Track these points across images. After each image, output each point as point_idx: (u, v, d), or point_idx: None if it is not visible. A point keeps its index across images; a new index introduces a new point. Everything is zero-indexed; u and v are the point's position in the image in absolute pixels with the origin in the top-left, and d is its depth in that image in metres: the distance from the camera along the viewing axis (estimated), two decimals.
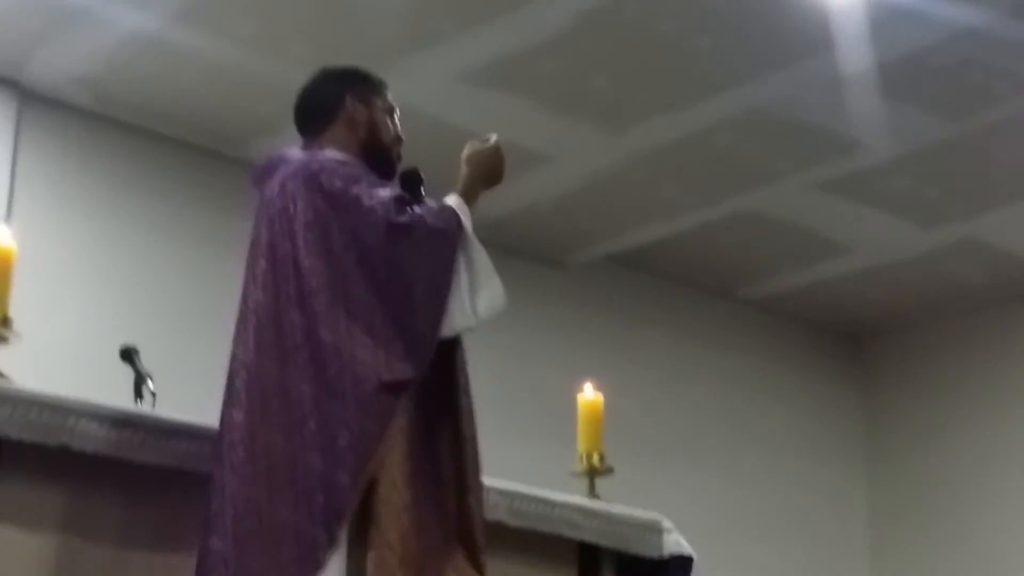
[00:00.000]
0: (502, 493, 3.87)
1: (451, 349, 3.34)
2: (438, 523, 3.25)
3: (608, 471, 4.29)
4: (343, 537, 3.08)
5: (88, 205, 6.43)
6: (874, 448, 8.79)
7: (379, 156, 3.54)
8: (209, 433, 3.29)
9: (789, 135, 6.69)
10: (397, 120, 3.63)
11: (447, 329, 3.24)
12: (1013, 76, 6.21)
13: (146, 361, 4.16)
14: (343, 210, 3.28)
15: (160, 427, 3.36)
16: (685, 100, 6.42)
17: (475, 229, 3.34)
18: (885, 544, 8.58)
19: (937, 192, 7.23)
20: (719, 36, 5.99)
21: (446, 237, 3.27)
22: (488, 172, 3.45)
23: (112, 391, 3.65)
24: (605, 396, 4.33)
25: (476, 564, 3.28)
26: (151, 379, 4.08)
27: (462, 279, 3.26)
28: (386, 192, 3.34)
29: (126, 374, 4.13)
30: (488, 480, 3.76)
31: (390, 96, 3.64)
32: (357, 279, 3.23)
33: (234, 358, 3.28)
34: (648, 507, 4.25)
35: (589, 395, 4.33)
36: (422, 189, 3.44)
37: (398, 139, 3.62)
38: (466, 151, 3.46)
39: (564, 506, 4.02)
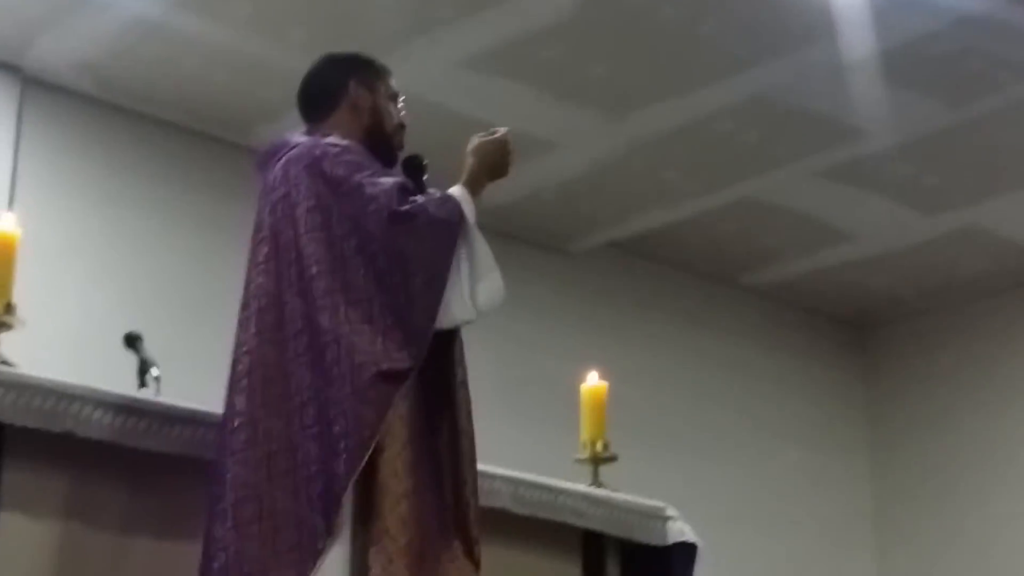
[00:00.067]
0: (506, 480, 3.87)
1: (449, 341, 3.34)
2: (436, 513, 3.25)
3: (612, 459, 4.29)
4: (343, 524, 3.09)
5: (90, 191, 6.43)
6: (877, 436, 8.79)
7: (382, 142, 3.54)
8: (213, 420, 3.29)
9: (791, 122, 6.68)
10: (401, 106, 3.63)
11: (446, 320, 3.23)
12: (1015, 63, 6.21)
13: (150, 347, 4.15)
14: (345, 197, 3.28)
15: (164, 414, 3.36)
16: (687, 87, 6.41)
17: (477, 216, 3.34)
18: (889, 532, 8.59)
19: (939, 179, 7.23)
20: (721, 22, 5.98)
21: (448, 227, 3.26)
22: (493, 164, 3.43)
23: (116, 378, 3.65)
24: (608, 383, 4.33)
25: (471, 556, 3.28)
26: (155, 366, 4.07)
27: (463, 270, 3.25)
28: (389, 180, 3.33)
29: (130, 361, 4.13)
30: (492, 467, 3.78)
31: (394, 82, 3.63)
32: (357, 266, 3.22)
33: (238, 343, 3.28)
34: (652, 495, 4.26)
35: (592, 382, 4.32)
36: (424, 176, 3.44)
37: (401, 125, 3.61)
38: (472, 142, 3.45)
39: (568, 494, 4.02)
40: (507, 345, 7.09)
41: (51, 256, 5.98)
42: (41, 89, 6.33)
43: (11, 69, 6.26)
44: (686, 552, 4.17)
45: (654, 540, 4.15)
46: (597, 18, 5.93)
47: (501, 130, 3.48)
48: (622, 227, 7.71)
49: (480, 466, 3.42)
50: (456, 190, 3.35)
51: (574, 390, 4.38)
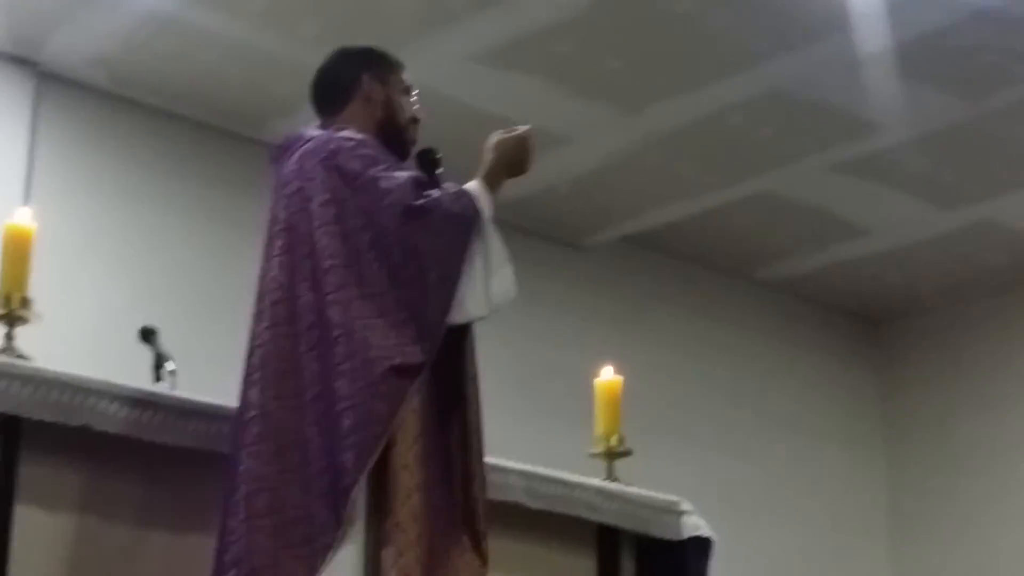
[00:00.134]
0: (521, 475, 3.87)
1: (461, 336, 3.34)
2: (446, 506, 3.25)
3: (626, 453, 4.29)
4: (356, 517, 3.09)
5: (106, 185, 6.43)
6: (891, 430, 8.78)
7: (395, 136, 3.54)
8: (228, 414, 3.30)
9: (806, 116, 6.67)
10: (414, 100, 3.63)
11: (459, 315, 3.23)
12: None
13: (165, 342, 4.16)
14: (360, 191, 3.28)
15: (179, 407, 3.37)
16: (702, 81, 6.40)
17: (493, 211, 3.33)
18: (903, 526, 8.58)
19: (955, 174, 7.21)
20: (736, 16, 5.97)
21: (462, 222, 3.26)
22: (512, 161, 3.42)
23: (132, 372, 3.66)
24: (623, 378, 4.33)
25: (479, 551, 3.29)
26: (171, 360, 4.08)
27: (477, 266, 3.25)
28: (404, 174, 3.33)
29: (146, 355, 4.14)
30: (507, 462, 3.78)
31: (407, 76, 3.63)
32: (371, 260, 3.22)
33: (252, 336, 3.29)
34: (666, 489, 4.26)
35: (607, 377, 4.32)
36: (438, 169, 3.44)
37: (415, 119, 3.61)
38: (493, 138, 3.44)
39: (583, 488, 4.03)
40: (522, 339, 7.10)
41: (67, 250, 5.99)
42: (56, 84, 6.34)
43: (27, 64, 6.26)
44: (701, 546, 4.17)
45: (669, 534, 4.15)
46: (611, 12, 5.93)
47: (523, 127, 3.48)
48: (636, 221, 7.70)
49: (494, 460, 3.43)
50: (472, 185, 3.35)
51: (588, 384, 4.37)
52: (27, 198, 6.01)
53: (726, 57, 6.23)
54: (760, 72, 6.31)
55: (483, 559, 3.28)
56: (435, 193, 3.30)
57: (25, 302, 3.40)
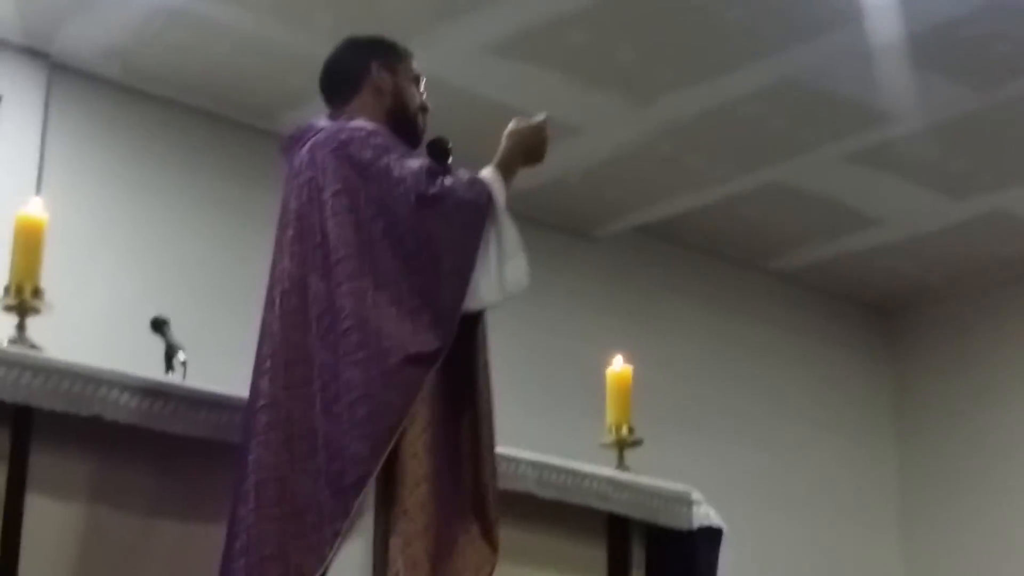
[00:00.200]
0: (531, 465, 3.87)
1: (473, 324, 3.34)
2: (455, 495, 3.25)
3: (637, 443, 4.29)
4: (367, 506, 3.08)
5: (118, 176, 6.45)
6: (904, 421, 8.77)
7: (405, 124, 3.53)
8: (239, 404, 3.30)
9: (818, 106, 6.66)
10: (423, 89, 3.63)
11: (473, 303, 3.23)
12: None
13: (177, 332, 4.17)
14: (372, 180, 3.28)
15: (191, 398, 3.38)
16: (713, 71, 6.40)
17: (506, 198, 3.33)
18: (915, 516, 8.57)
19: (967, 164, 7.20)
20: (748, 6, 5.97)
21: (476, 210, 3.26)
22: (528, 149, 3.43)
23: (143, 362, 3.66)
24: (634, 368, 4.33)
25: (490, 538, 3.29)
26: (182, 350, 4.09)
27: (491, 253, 3.25)
28: (417, 162, 3.33)
29: (157, 345, 4.15)
30: (517, 451, 3.78)
31: (416, 64, 3.63)
32: (384, 249, 3.22)
33: (262, 326, 3.29)
34: (677, 479, 4.26)
35: (618, 367, 4.32)
36: (449, 159, 3.44)
37: (424, 108, 3.61)
38: (510, 126, 3.44)
39: (593, 478, 4.02)
40: (532, 330, 7.10)
41: (78, 241, 6.00)
42: (68, 75, 6.35)
43: (39, 55, 6.28)
44: (711, 536, 4.16)
45: (679, 524, 4.15)
46: (623, 2, 5.92)
47: (539, 116, 3.48)
48: (648, 212, 7.70)
49: (505, 450, 3.43)
50: (486, 172, 3.35)
51: (599, 375, 4.37)
52: (39, 189, 6.03)
53: (738, 48, 6.22)
54: (772, 62, 6.30)
55: (494, 547, 3.28)
56: (448, 181, 3.30)
57: (37, 292, 3.41)
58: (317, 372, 3.16)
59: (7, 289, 3.41)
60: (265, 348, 3.24)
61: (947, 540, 8.37)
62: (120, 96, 6.48)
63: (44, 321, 3.42)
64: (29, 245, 3.45)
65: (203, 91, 6.57)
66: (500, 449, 3.40)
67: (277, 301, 3.27)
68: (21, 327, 3.38)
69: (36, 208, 3.50)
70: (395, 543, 3.09)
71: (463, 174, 3.34)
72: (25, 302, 3.39)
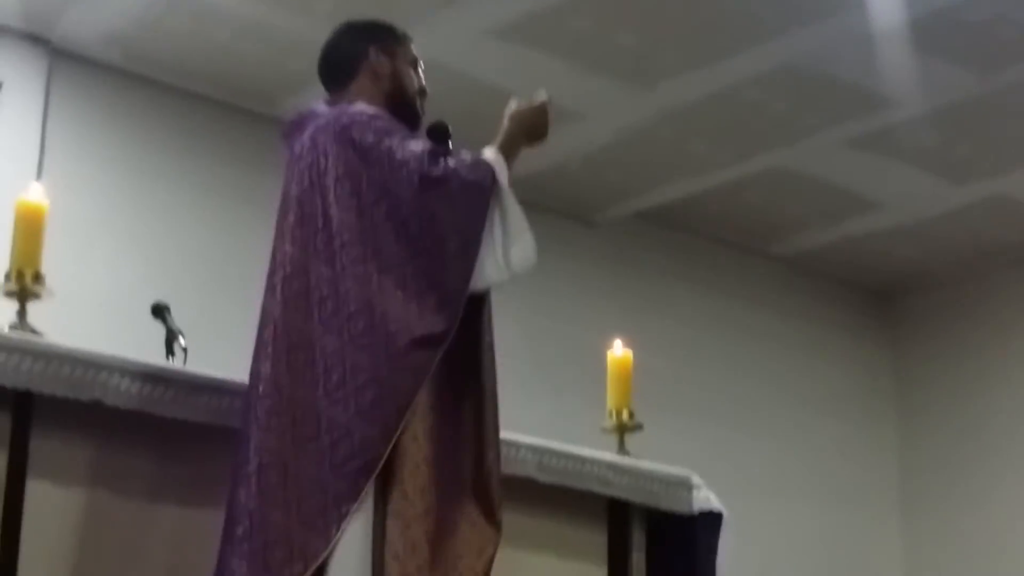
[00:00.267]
0: (532, 449, 3.88)
1: (479, 305, 3.34)
2: (456, 477, 3.26)
3: (637, 427, 4.30)
4: (368, 490, 3.09)
5: (118, 162, 6.45)
6: (904, 405, 8.77)
7: (404, 108, 3.53)
8: (239, 389, 3.31)
9: (820, 91, 6.65)
10: (421, 72, 3.63)
11: (479, 282, 3.24)
12: None
13: (177, 317, 4.18)
14: (375, 163, 3.28)
15: (191, 383, 3.39)
16: (715, 56, 6.39)
17: (509, 181, 3.33)
18: (915, 501, 8.58)
19: (968, 149, 7.20)
20: None
21: (480, 190, 3.26)
22: (530, 128, 3.42)
23: (143, 347, 3.67)
24: (634, 353, 4.33)
25: (493, 520, 3.29)
26: (182, 335, 4.10)
27: (495, 233, 3.25)
28: (419, 145, 3.33)
29: (157, 330, 4.15)
30: (518, 436, 3.78)
31: (414, 48, 3.63)
32: (388, 232, 3.23)
33: (263, 311, 3.29)
34: (677, 463, 4.26)
35: (618, 352, 4.33)
36: (450, 143, 3.43)
37: (422, 91, 3.61)
38: (511, 106, 3.44)
39: (594, 462, 4.03)
40: (533, 315, 7.10)
41: (79, 227, 6.00)
42: (69, 61, 6.35)
43: (40, 41, 6.27)
44: (711, 521, 4.17)
45: (680, 509, 4.15)
46: None
47: (541, 95, 3.48)
48: (649, 197, 7.69)
49: (506, 435, 3.42)
50: (489, 152, 3.34)
51: (600, 360, 4.38)
52: (40, 174, 6.03)
53: (739, 32, 6.21)
54: (773, 47, 6.29)
55: (497, 528, 3.28)
56: (451, 162, 3.30)
57: (37, 278, 3.41)
58: (320, 356, 3.16)
59: (8, 275, 3.41)
60: (266, 333, 3.24)
61: (947, 525, 8.38)
62: (121, 82, 6.48)
63: (45, 307, 3.43)
64: (30, 231, 3.46)
65: (204, 77, 6.56)
66: (501, 433, 3.40)
67: (279, 286, 3.27)
68: (22, 313, 3.39)
69: (37, 194, 3.51)
70: (395, 526, 3.09)
71: (466, 155, 3.33)
72: (26, 288, 3.39)
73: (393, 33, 3.61)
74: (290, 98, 6.31)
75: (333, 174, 3.29)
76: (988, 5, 5.98)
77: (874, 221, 7.96)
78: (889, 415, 8.77)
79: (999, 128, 7.00)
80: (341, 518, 3.05)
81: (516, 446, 3.79)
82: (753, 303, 8.30)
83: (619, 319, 6.46)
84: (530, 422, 3.92)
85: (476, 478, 3.28)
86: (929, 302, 8.78)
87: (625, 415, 4.28)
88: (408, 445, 3.14)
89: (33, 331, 3.33)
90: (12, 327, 3.33)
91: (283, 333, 3.21)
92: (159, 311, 4.21)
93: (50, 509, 3.21)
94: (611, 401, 4.31)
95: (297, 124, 3.50)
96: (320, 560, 3.05)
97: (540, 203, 7.21)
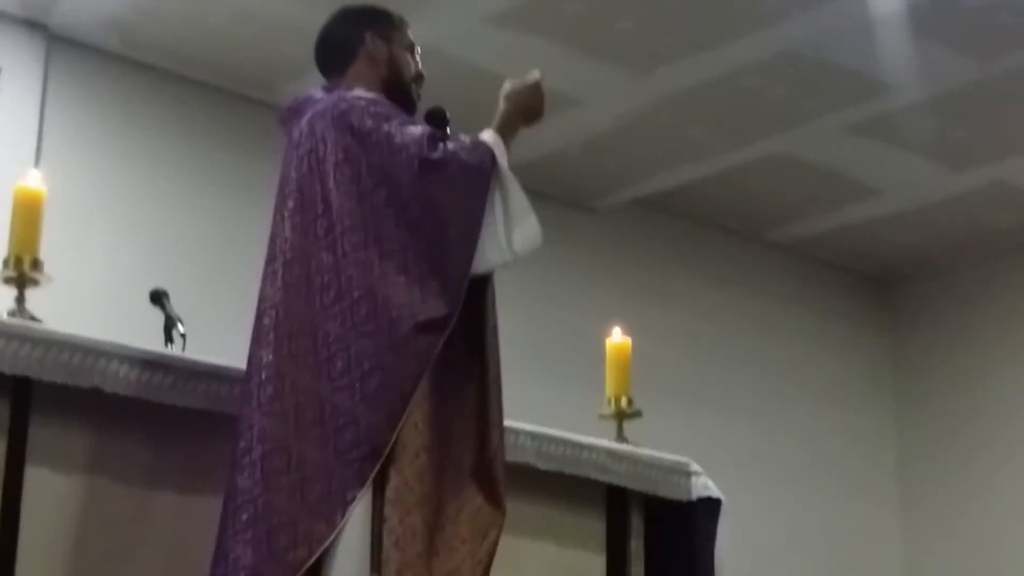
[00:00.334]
0: (531, 436, 3.88)
1: (482, 287, 3.33)
2: (457, 463, 3.26)
3: (636, 414, 4.30)
4: (371, 476, 3.09)
5: (116, 148, 6.44)
6: (903, 392, 8.78)
7: (400, 93, 3.52)
8: (238, 375, 3.30)
9: (819, 77, 6.65)
10: (418, 57, 3.62)
11: (481, 265, 3.23)
12: None
13: (175, 304, 4.17)
14: (374, 148, 3.27)
15: (190, 369, 3.38)
16: (714, 42, 6.38)
17: (509, 162, 3.32)
18: (914, 488, 8.58)
19: (967, 135, 7.19)
20: None
21: (480, 173, 3.25)
22: (527, 108, 3.41)
23: (142, 334, 3.67)
24: (633, 340, 4.33)
25: (497, 503, 3.28)
26: (181, 322, 4.09)
27: (497, 214, 3.24)
28: (418, 129, 3.32)
29: (156, 317, 4.15)
30: (517, 423, 3.78)
31: (410, 33, 3.62)
32: (388, 217, 3.22)
33: (262, 298, 3.28)
34: (676, 450, 4.26)
35: (617, 338, 4.33)
36: (447, 128, 3.42)
37: (419, 76, 3.60)
38: (506, 87, 3.42)
39: (592, 449, 4.03)
40: (532, 302, 7.10)
41: (78, 213, 6.00)
42: (67, 47, 6.34)
43: (37, 27, 6.26)
44: (710, 507, 4.17)
45: (678, 495, 4.16)
46: None
47: (534, 73, 3.47)
48: (648, 184, 7.69)
49: (505, 421, 3.42)
50: (487, 135, 3.33)
51: (599, 346, 4.38)
52: (38, 161, 6.02)
53: (739, 18, 6.20)
54: (773, 33, 6.28)
55: (501, 510, 3.27)
56: (451, 145, 3.29)
57: (36, 264, 3.41)
58: (323, 343, 3.16)
59: (6, 261, 3.41)
60: (266, 320, 3.23)
61: (946, 511, 8.39)
62: (119, 68, 6.47)
63: (43, 293, 3.42)
64: (28, 217, 3.45)
65: (201, 63, 6.55)
66: (503, 411, 3.40)
67: (279, 273, 3.26)
68: (20, 299, 3.38)
69: (35, 180, 3.50)
70: (394, 512, 3.09)
71: (464, 138, 3.33)
72: (24, 274, 3.39)
73: (389, 18, 3.61)
74: (288, 84, 6.30)
75: (332, 160, 3.29)
76: None
77: (873, 207, 7.96)
78: (888, 402, 8.78)
79: (998, 114, 6.99)
80: (346, 504, 3.05)
81: (515, 433, 3.79)
82: (752, 290, 8.31)
83: (618, 306, 6.46)
84: (529, 409, 3.92)
85: (480, 462, 3.28)
86: (928, 289, 8.78)
87: (624, 402, 4.28)
88: (408, 433, 3.14)
89: (32, 318, 3.33)
90: (11, 314, 3.33)
91: (284, 320, 3.20)
92: (158, 297, 4.21)
93: (49, 496, 3.21)
94: (610, 388, 4.31)
95: (295, 110, 3.49)
96: (325, 545, 3.05)
97: (539, 190, 7.16)
